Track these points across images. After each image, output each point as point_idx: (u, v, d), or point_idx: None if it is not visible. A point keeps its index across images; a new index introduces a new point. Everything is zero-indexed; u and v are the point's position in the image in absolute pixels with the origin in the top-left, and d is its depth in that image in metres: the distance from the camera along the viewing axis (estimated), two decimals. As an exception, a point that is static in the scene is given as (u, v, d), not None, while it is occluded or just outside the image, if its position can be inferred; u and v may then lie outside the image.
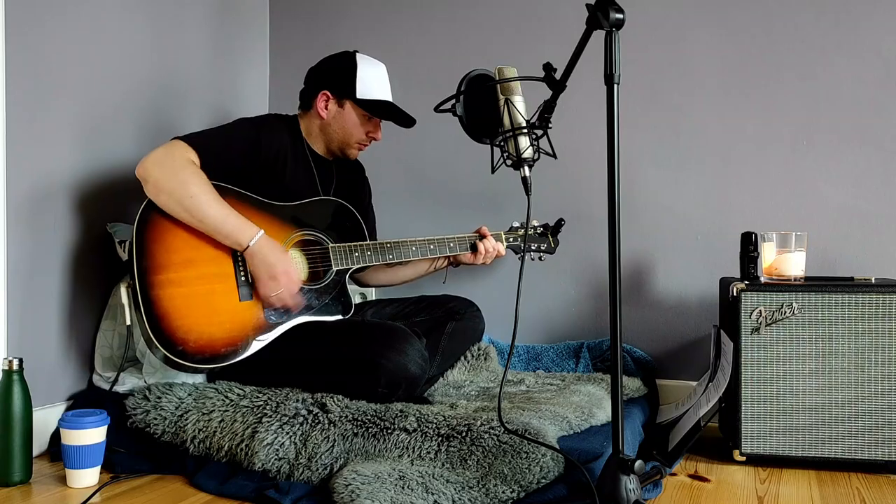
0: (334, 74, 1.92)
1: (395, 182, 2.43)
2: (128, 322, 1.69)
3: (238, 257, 1.74)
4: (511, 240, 2.06)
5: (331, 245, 1.85)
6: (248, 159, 1.80)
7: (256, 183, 1.81)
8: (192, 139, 1.74)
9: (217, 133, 1.81)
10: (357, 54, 1.93)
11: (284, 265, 1.72)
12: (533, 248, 2.08)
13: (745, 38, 2.14)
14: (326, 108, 1.92)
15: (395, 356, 1.67)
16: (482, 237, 1.99)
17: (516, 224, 2.09)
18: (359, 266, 1.88)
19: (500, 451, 1.43)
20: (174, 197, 1.65)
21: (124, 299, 1.67)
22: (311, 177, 1.94)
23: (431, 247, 1.95)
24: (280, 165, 1.86)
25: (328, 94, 1.91)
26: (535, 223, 2.11)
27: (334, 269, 1.85)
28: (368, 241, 1.90)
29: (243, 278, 1.73)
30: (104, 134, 1.94)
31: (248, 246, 1.70)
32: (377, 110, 1.92)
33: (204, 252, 1.71)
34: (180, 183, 1.66)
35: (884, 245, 2.03)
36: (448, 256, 2.02)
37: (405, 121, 1.95)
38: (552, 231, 2.11)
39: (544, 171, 2.21)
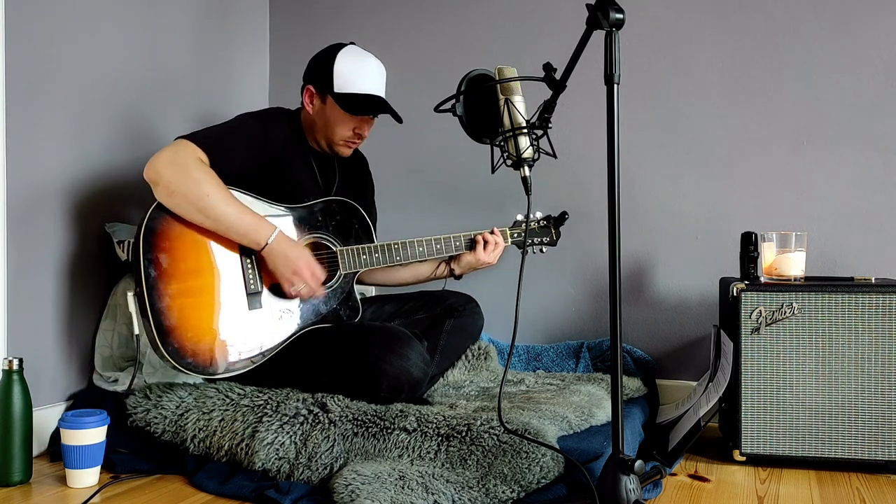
0: (315, 67, 1.85)
1: (394, 181, 2.42)
2: (136, 332, 1.66)
3: (246, 266, 1.71)
4: (515, 235, 2.00)
5: (338, 248, 1.82)
6: (256, 155, 1.76)
7: (262, 179, 1.77)
8: (198, 138, 1.67)
9: (222, 130, 1.74)
10: (346, 46, 1.83)
11: (305, 258, 1.70)
12: (536, 241, 2.03)
13: (746, 38, 2.14)
14: (312, 103, 1.85)
15: (397, 360, 1.65)
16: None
17: (520, 217, 2.03)
18: (365, 269, 1.85)
19: (500, 451, 1.43)
20: (188, 198, 1.60)
21: (132, 307, 1.63)
22: (311, 172, 1.90)
23: (438, 245, 1.91)
24: (286, 160, 1.82)
25: (312, 89, 1.85)
26: (538, 215, 2.05)
27: (342, 272, 1.82)
28: (375, 243, 1.86)
29: (252, 287, 1.70)
30: (102, 134, 1.94)
31: (267, 244, 1.66)
32: (354, 106, 1.80)
33: (211, 261, 1.67)
34: (194, 183, 1.60)
35: (884, 245, 2.03)
36: (450, 265, 1.99)
37: (392, 116, 1.85)
38: (555, 223, 2.05)
39: (544, 171, 2.21)
